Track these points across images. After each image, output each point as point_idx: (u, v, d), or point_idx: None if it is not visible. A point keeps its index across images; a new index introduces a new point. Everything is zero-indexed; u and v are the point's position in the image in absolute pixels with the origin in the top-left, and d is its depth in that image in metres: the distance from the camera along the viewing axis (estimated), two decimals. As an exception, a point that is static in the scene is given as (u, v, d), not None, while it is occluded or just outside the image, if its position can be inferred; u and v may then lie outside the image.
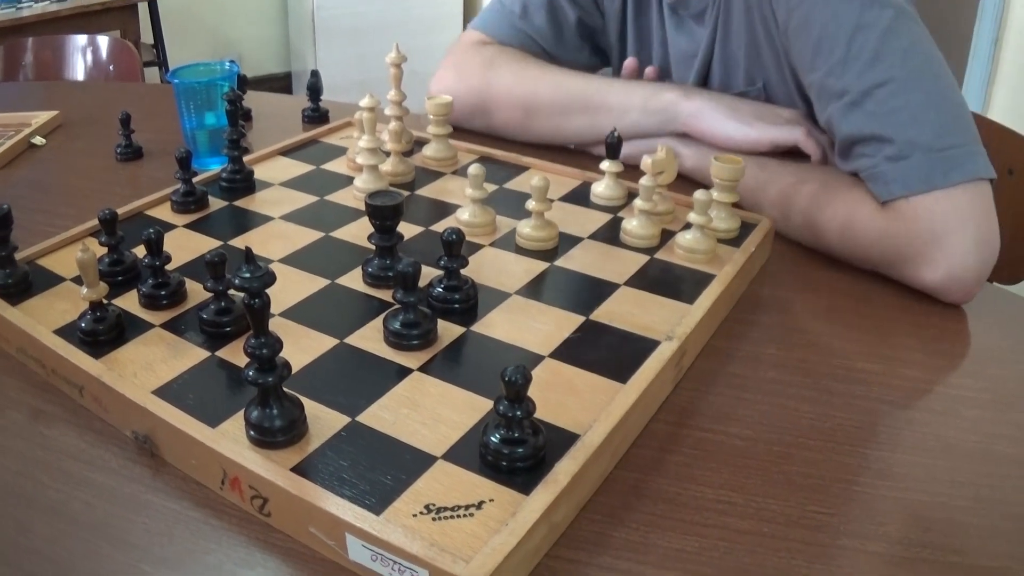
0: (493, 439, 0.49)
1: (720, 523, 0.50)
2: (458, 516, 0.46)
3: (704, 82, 1.01)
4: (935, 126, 0.73)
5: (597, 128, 0.95)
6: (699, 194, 0.72)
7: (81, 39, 1.77)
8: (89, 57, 1.77)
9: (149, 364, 0.59)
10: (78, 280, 0.71)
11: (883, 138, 0.74)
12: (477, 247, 0.75)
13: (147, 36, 3.61)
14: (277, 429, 0.50)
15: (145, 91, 1.48)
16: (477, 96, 1.05)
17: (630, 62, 1.03)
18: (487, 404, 0.54)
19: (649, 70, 1.02)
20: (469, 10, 3.95)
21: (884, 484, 0.54)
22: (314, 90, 1.15)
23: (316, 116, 1.14)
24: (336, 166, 0.94)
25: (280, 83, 4.41)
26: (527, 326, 0.63)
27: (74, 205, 0.95)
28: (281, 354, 0.51)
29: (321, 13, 3.77)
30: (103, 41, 1.77)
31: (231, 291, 0.63)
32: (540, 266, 0.72)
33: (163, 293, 0.66)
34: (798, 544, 0.49)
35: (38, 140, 1.20)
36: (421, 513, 0.46)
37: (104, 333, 0.62)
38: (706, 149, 0.90)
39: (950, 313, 0.74)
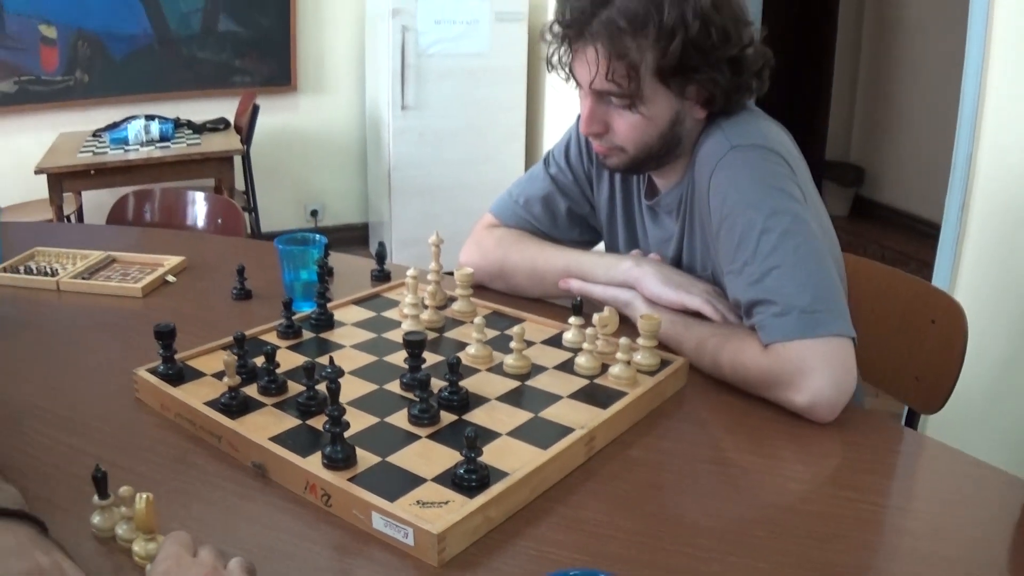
0: (459, 471, 0.91)
1: (591, 530, 0.91)
2: (434, 506, 0.88)
3: (678, 263, 1.45)
4: (810, 297, 1.16)
5: (577, 287, 1.41)
6: (623, 341, 1.15)
7: (198, 195, 2.31)
8: (203, 209, 2.30)
9: (264, 425, 1.03)
10: (217, 375, 1.16)
11: (772, 302, 1.17)
12: (477, 371, 1.19)
13: (239, 183, 4.20)
14: (340, 459, 0.94)
15: (249, 246, 1.98)
16: (495, 267, 1.53)
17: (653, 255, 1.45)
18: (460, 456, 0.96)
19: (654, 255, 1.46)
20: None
21: (705, 516, 0.94)
22: (380, 256, 1.62)
23: (380, 276, 1.61)
24: (391, 314, 1.40)
25: (358, 232, 5.01)
26: (496, 418, 1.06)
27: (203, 328, 1.40)
28: (344, 417, 0.95)
29: (396, 173, 4.38)
30: (214, 198, 2.30)
31: (317, 386, 1.07)
32: (515, 384, 1.16)
33: (273, 386, 1.11)
34: (638, 543, 0.89)
35: (171, 278, 1.69)
36: (414, 504, 0.88)
37: (236, 407, 1.07)
38: (662, 311, 1.33)
39: (819, 427, 1.13)
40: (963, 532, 0.96)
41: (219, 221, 2.24)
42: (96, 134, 4.21)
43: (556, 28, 1.33)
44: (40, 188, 3.74)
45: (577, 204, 1.58)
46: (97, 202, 4.41)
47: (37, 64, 4.37)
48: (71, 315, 1.56)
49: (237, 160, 4.10)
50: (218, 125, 4.35)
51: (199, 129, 4.28)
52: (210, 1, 4.61)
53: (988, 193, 2.35)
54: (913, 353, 1.59)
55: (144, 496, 0.84)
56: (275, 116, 4.69)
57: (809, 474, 1.07)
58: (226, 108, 4.53)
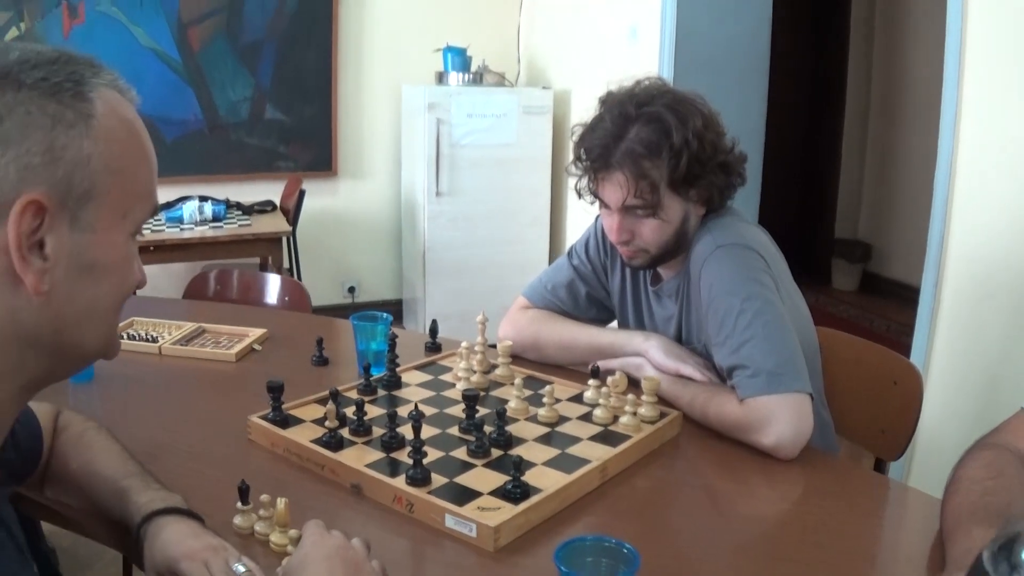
0: (508, 486, 1.27)
1: (601, 531, 1.25)
2: (490, 510, 1.23)
3: (679, 338, 1.81)
4: (775, 362, 1.52)
5: (597, 358, 1.76)
6: (630, 397, 1.52)
7: (273, 277, 2.70)
8: (276, 289, 2.68)
9: (357, 457, 1.40)
10: (316, 421, 1.52)
11: (746, 366, 1.53)
12: (516, 420, 1.55)
13: (284, 261, 4.59)
14: (420, 478, 1.30)
15: (318, 321, 2.36)
16: (529, 341, 1.90)
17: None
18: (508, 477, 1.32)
19: None
20: (553, 254, 4.90)
21: (690, 524, 1.29)
22: (433, 331, 1.99)
23: (433, 347, 1.97)
24: (446, 377, 1.78)
25: (392, 308, 5.40)
26: (533, 453, 1.42)
27: (291, 388, 1.74)
28: (423, 449, 1.31)
29: (431, 254, 4.80)
30: (285, 281, 2.69)
31: (397, 428, 1.43)
32: (547, 430, 1.52)
33: (361, 428, 1.47)
34: (636, 542, 1.23)
35: (257, 346, 2.06)
36: (476, 509, 1.24)
37: (335, 443, 1.43)
38: (664, 375, 1.69)
39: (779, 463, 1.48)
40: (880, 539, 1.31)
41: (286, 299, 2.62)
42: (152, 213, 4.58)
43: (580, 163, 1.71)
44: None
45: (595, 290, 1.95)
46: (148, 274, 4.79)
47: (93, 144, 4.80)
48: (173, 376, 1.93)
49: (283, 239, 4.50)
50: (265, 207, 4.76)
51: (248, 210, 4.68)
52: (257, 91, 5.08)
53: (959, 271, 2.73)
54: (879, 409, 1.93)
55: (283, 500, 1.20)
56: (317, 199, 5.11)
57: (774, 498, 1.42)
58: (271, 191, 4.95)
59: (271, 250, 4.34)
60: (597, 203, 1.74)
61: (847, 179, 6.48)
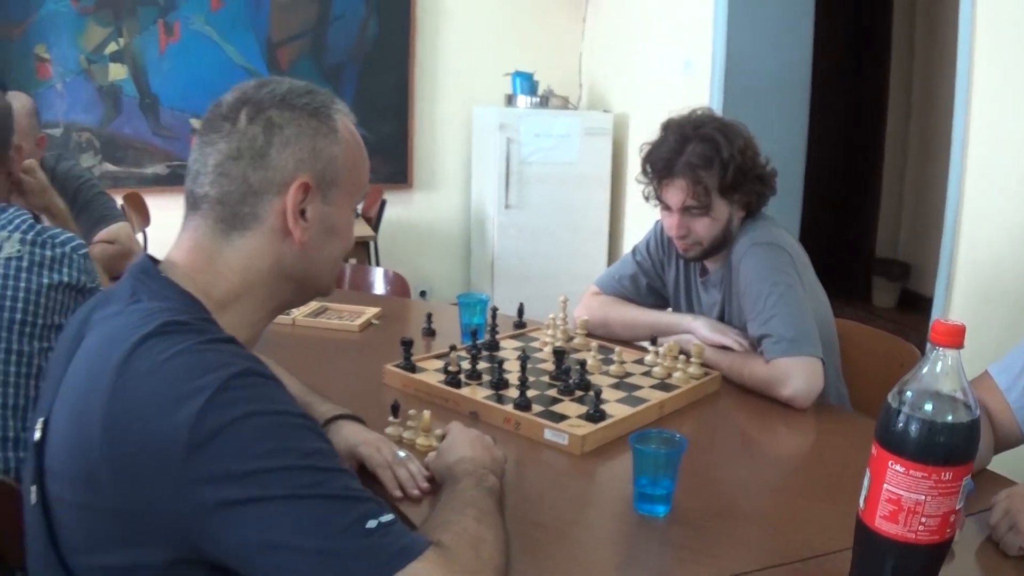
0: (590, 411, 1.73)
1: (659, 447, 1.71)
2: (576, 427, 1.68)
3: (722, 318, 2.25)
4: (794, 333, 1.96)
5: (656, 333, 2.21)
6: (681, 357, 1.96)
7: (378, 269, 3.19)
8: (381, 279, 3.16)
9: (473, 393, 1.86)
10: (437, 370, 1.98)
11: (771, 335, 1.98)
12: (592, 374, 2.00)
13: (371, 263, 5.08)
14: (524, 404, 1.76)
15: (421, 304, 2.82)
16: (600, 321, 2.36)
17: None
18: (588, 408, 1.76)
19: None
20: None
21: (723, 456, 1.74)
22: (520, 311, 2.44)
23: (520, 324, 2.43)
24: (534, 344, 2.22)
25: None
26: (606, 394, 1.87)
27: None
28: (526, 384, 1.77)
29: (499, 262, 5.28)
30: (388, 273, 3.17)
31: (504, 374, 1.88)
32: (616, 380, 1.98)
33: (474, 374, 1.93)
34: (684, 461, 1.68)
35: (375, 320, 2.53)
36: (567, 425, 1.69)
37: (455, 383, 1.89)
38: (708, 347, 2.13)
39: (797, 412, 1.91)
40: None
41: (387, 288, 3.10)
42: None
43: (647, 172, 2.16)
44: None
45: (653, 281, 2.40)
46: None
47: (187, 151, 5.27)
48: (306, 342, 2.40)
49: (369, 243, 5.00)
50: (349, 215, 5.24)
51: (333, 218, 5.17)
52: (340, 109, 5.56)
53: (966, 278, 3.17)
54: (888, 386, 2.33)
55: (427, 412, 1.66)
56: (393, 209, 5.59)
57: (792, 435, 1.87)
58: (353, 201, 5.44)
59: (358, 253, 4.83)
60: (659, 207, 2.19)
61: (888, 201, 6.85)
